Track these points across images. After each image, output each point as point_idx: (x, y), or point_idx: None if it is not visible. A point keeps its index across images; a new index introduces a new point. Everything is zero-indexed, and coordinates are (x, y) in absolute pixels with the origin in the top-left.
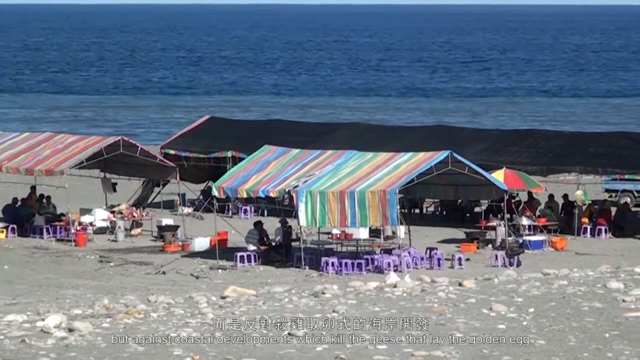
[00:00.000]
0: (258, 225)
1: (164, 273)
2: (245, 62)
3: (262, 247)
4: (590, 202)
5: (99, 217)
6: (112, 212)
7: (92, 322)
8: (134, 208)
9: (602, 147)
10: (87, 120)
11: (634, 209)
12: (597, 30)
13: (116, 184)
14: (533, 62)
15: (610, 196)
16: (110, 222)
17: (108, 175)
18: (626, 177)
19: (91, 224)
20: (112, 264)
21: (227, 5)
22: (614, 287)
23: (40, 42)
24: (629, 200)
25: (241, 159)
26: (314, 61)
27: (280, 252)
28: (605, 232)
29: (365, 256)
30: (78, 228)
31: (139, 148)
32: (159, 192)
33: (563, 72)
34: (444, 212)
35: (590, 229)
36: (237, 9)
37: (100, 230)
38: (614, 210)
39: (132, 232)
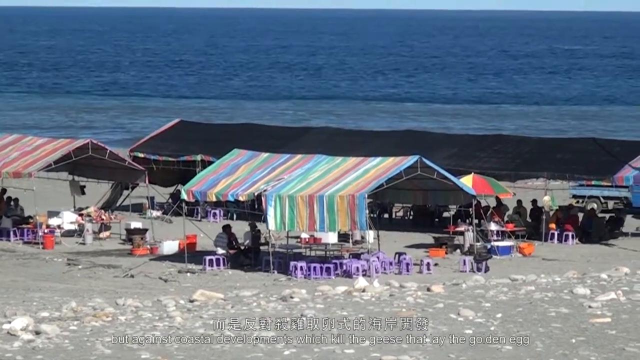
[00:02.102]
0: (226, 229)
1: (132, 276)
2: (210, 66)
3: (231, 251)
4: (558, 207)
5: (67, 219)
6: (81, 215)
7: (60, 324)
8: (102, 211)
9: (570, 153)
10: (56, 123)
11: (600, 215)
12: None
13: (84, 186)
14: (501, 66)
15: (577, 202)
16: (79, 225)
17: (77, 178)
18: (593, 183)
19: (59, 226)
20: (80, 266)
21: (207, 9)
22: (580, 293)
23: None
24: (595, 206)
25: (210, 163)
26: (283, 65)
27: (249, 256)
28: (572, 238)
29: (333, 261)
30: (46, 231)
31: (108, 151)
32: (128, 195)
33: (527, 78)
34: (411, 217)
35: (558, 234)
36: (215, 13)
37: (68, 233)
38: (581, 216)
39: (101, 235)
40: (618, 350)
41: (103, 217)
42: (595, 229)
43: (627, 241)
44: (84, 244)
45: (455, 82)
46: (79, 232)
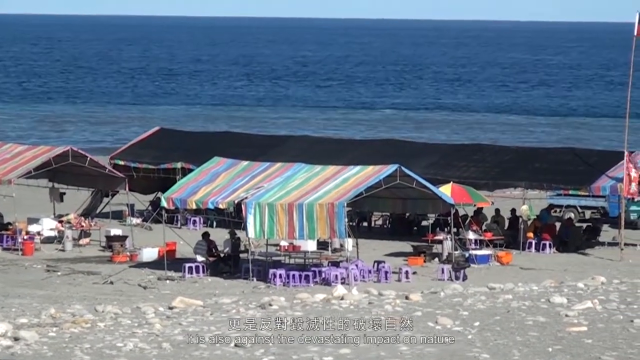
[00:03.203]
0: (206, 236)
1: (111, 283)
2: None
3: (211, 258)
4: (536, 216)
5: (47, 226)
6: (60, 222)
7: (38, 331)
8: (82, 218)
9: (548, 162)
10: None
11: (577, 224)
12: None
13: (64, 193)
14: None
15: (555, 211)
16: (58, 232)
17: (56, 185)
18: (570, 192)
19: (39, 233)
20: (59, 273)
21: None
22: (557, 301)
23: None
24: (572, 215)
25: (191, 170)
26: (265, 74)
27: (228, 264)
28: (550, 247)
29: (312, 268)
30: (25, 237)
31: (88, 158)
32: (108, 202)
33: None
34: (390, 225)
35: (535, 243)
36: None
37: (48, 240)
38: (558, 225)
39: (80, 241)
40: (594, 359)
41: (83, 224)
42: (573, 238)
43: (604, 250)
44: (63, 250)
45: (436, 91)
46: (59, 238)
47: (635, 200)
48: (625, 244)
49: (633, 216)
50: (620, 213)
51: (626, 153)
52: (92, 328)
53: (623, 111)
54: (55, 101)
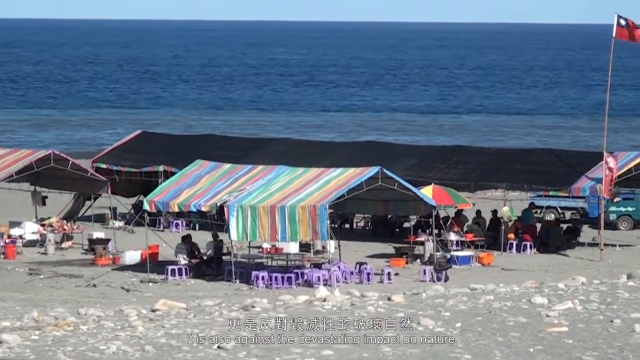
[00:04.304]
0: (186, 239)
1: (94, 286)
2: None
3: (193, 261)
4: (517, 218)
5: (29, 230)
6: (43, 225)
7: (21, 334)
8: (64, 221)
9: (528, 163)
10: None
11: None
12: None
13: (46, 197)
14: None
15: (535, 212)
16: (41, 235)
17: (39, 189)
18: (551, 193)
19: (21, 236)
20: (41, 276)
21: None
22: (538, 302)
23: None
24: (553, 216)
25: (173, 174)
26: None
27: (211, 266)
28: (531, 248)
29: (295, 270)
30: (7, 241)
31: (70, 162)
32: (90, 205)
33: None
34: (371, 227)
35: (516, 244)
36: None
37: (30, 243)
38: (539, 226)
39: (63, 245)
40: (575, 359)
41: (65, 227)
42: (553, 239)
43: (584, 251)
44: (45, 254)
45: (415, 93)
46: (41, 242)
47: (615, 201)
48: (605, 245)
49: (612, 217)
50: (599, 214)
51: (605, 154)
52: (74, 331)
53: (602, 112)
54: (37, 105)
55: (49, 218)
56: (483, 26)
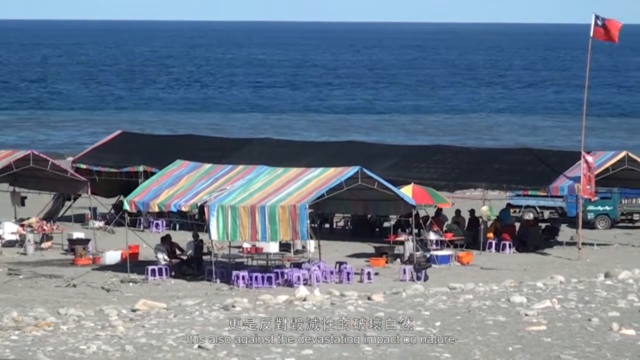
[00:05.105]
0: (167, 239)
1: (74, 286)
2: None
3: (173, 260)
4: (496, 217)
5: (8, 230)
6: (22, 226)
7: (0, 334)
8: (44, 222)
9: (507, 163)
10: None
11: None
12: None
13: (25, 197)
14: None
15: (515, 212)
16: (20, 236)
17: (18, 189)
18: (529, 193)
19: (0, 237)
20: (21, 276)
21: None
22: (517, 301)
23: None
24: (531, 215)
25: (153, 174)
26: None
27: (191, 266)
28: (509, 247)
29: (275, 270)
30: None
31: (50, 162)
32: (70, 205)
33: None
34: (351, 227)
35: (495, 244)
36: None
37: (9, 244)
38: (518, 225)
39: (43, 245)
40: (553, 358)
41: (45, 227)
42: (532, 238)
43: (562, 250)
44: (25, 254)
45: (395, 93)
46: (20, 242)
47: (593, 200)
48: (583, 244)
49: (590, 216)
50: (577, 213)
51: (583, 153)
52: (54, 331)
53: (579, 111)
54: (18, 104)
55: (28, 218)
56: (463, 26)
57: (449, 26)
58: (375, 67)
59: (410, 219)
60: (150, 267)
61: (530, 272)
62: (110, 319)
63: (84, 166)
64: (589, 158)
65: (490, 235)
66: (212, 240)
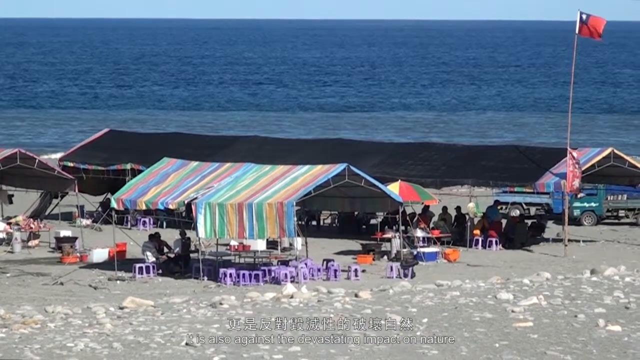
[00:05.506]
0: (155, 236)
1: (61, 284)
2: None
3: (162, 257)
4: (483, 214)
5: None
6: (9, 224)
7: None
8: (31, 219)
9: (494, 160)
10: None
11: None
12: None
13: (12, 195)
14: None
15: (501, 208)
16: (7, 234)
17: (5, 187)
18: (516, 189)
19: None
20: (8, 274)
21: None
22: (503, 298)
23: None
24: (518, 212)
25: (140, 171)
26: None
27: (179, 264)
28: (496, 244)
29: (262, 267)
30: None
31: (37, 160)
32: (57, 203)
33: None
34: (338, 224)
35: (482, 241)
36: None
37: None
38: (504, 222)
39: (30, 243)
40: (540, 354)
41: (32, 225)
42: (518, 235)
43: (549, 247)
44: (12, 252)
45: (382, 90)
46: (7, 240)
47: (579, 197)
48: (569, 240)
49: (576, 212)
50: (564, 209)
51: (569, 150)
52: (42, 328)
53: (565, 108)
54: (5, 103)
55: (15, 216)
56: (450, 23)
57: (437, 23)
58: (363, 65)
59: (397, 216)
60: (137, 265)
61: (517, 269)
62: (98, 317)
63: (71, 164)
64: (575, 154)
65: (477, 232)
66: (199, 238)
